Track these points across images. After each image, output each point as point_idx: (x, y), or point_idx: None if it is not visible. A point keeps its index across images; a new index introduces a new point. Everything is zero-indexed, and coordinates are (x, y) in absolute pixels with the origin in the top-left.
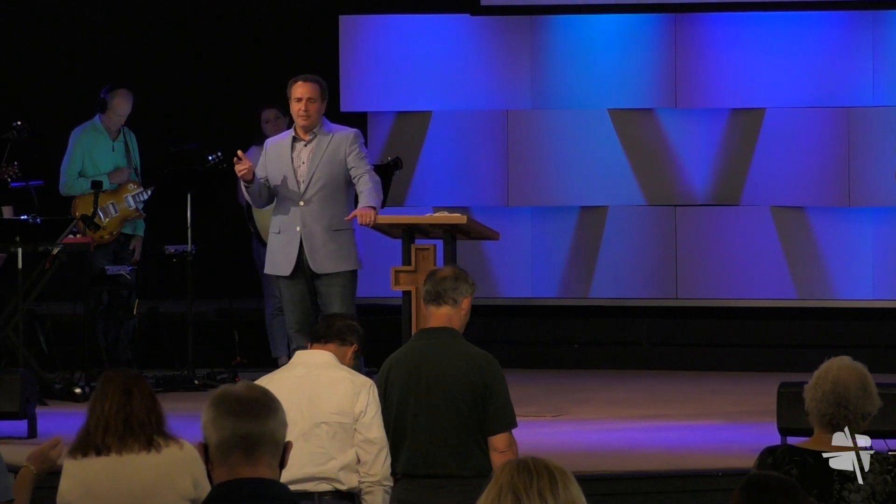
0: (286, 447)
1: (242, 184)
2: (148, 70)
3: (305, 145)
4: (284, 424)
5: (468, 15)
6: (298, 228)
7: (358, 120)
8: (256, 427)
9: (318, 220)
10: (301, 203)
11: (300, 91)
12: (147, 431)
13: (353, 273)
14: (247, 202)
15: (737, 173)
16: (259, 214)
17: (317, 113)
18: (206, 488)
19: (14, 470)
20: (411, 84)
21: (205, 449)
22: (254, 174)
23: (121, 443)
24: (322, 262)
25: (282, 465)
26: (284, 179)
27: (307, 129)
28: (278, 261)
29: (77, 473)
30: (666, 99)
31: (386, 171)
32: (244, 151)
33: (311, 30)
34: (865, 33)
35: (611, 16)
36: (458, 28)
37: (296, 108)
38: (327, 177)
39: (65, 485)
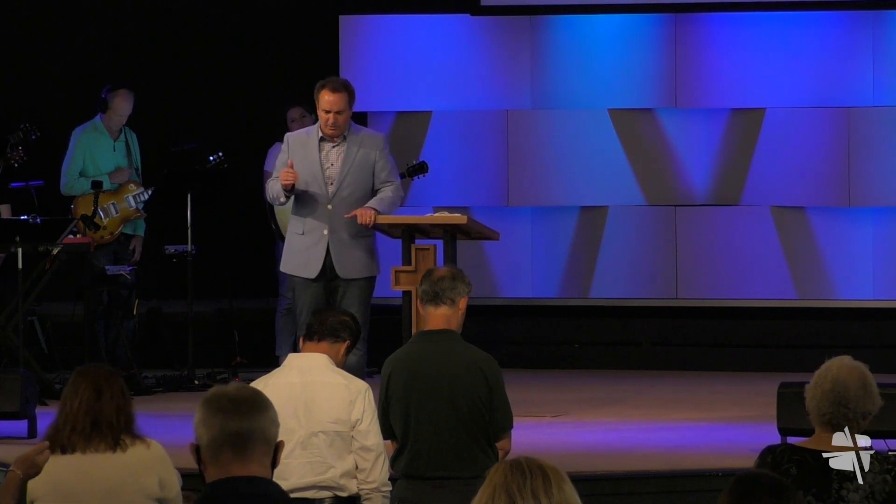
0: (278, 446)
1: (279, 188)
2: (148, 70)
3: (334, 147)
4: (275, 423)
5: (468, 15)
6: (326, 232)
7: (358, 120)
8: (246, 424)
9: (346, 225)
10: (329, 206)
11: (329, 103)
12: (114, 432)
13: (373, 279)
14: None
15: (737, 173)
16: (282, 214)
17: (345, 122)
18: (173, 488)
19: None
20: (411, 84)
21: (196, 450)
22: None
23: (87, 442)
24: (349, 268)
25: (273, 463)
26: (311, 180)
27: (335, 136)
28: (301, 262)
29: (45, 470)
30: (666, 99)
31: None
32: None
33: (311, 30)
34: (865, 33)
35: (611, 16)
36: (458, 28)
37: (323, 118)
38: (357, 181)
39: (32, 482)
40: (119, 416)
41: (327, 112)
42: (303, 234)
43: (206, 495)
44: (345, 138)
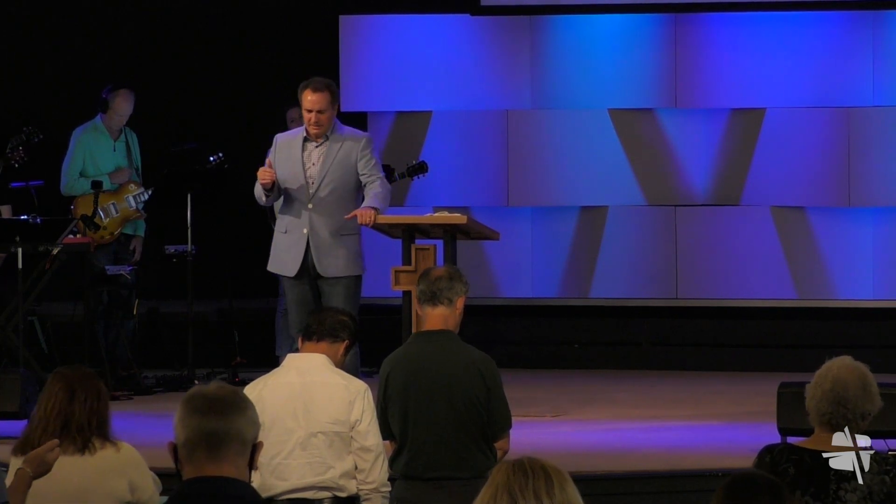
0: (256, 447)
1: (260, 187)
2: (148, 70)
3: (317, 147)
4: (254, 424)
5: (468, 15)
6: (306, 230)
7: (358, 120)
8: (222, 425)
9: (326, 224)
10: (310, 205)
11: (310, 102)
12: (84, 434)
13: (358, 278)
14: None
15: (737, 173)
16: None
17: (328, 121)
18: (145, 491)
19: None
20: (411, 84)
21: (174, 449)
22: (273, 183)
23: None
24: (328, 266)
25: (251, 465)
26: (293, 179)
27: (318, 136)
28: (283, 261)
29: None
30: (666, 99)
31: (409, 174)
32: (266, 150)
33: (311, 30)
34: (865, 33)
35: (611, 16)
36: (458, 28)
37: (306, 118)
38: (338, 180)
39: (9, 482)
40: (91, 418)
41: (309, 111)
42: (286, 232)
43: (177, 494)
44: (328, 138)
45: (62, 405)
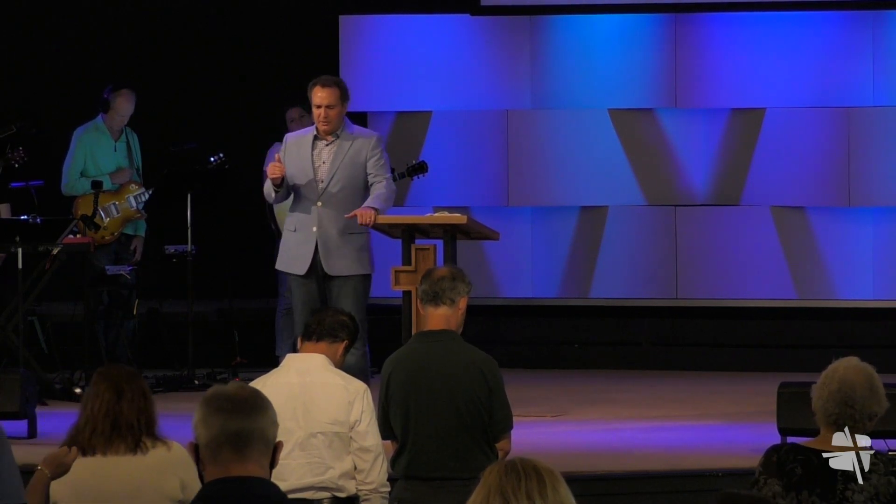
0: (277, 447)
1: (270, 183)
2: (148, 70)
3: (327, 145)
4: (275, 423)
5: (468, 15)
6: (315, 229)
7: (358, 120)
8: (246, 424)
9: (335, 222)
10: (319, 203)
11: (319, 98)
12: (135, 433)
13: (367, 277)
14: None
15: (737, 173)
16: (281, 214)
17: (337, 118)
18: (195, 490)
19: (21, 471)
20: (411, 84)
21: (195, 448)
22: (282, 178)
23: (107, 444)
24: (335, 265)
25: (272, 464)
26: (303, 177)
27: (328, 133)
28: (292, 259)
29: None
30: (666, 99)
31: (410, 173)
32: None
33: (311, 30)
34: (865, 33)
35: (611, 16)
36: (458, 28)
37: (315, 114)
38: (347, 179)
39: (54, 483)
40: (140, 417)
41: (318, 107)
42: (294, 230)
43: (204, 495)
44: (338, 137)
45: (110, 405)
